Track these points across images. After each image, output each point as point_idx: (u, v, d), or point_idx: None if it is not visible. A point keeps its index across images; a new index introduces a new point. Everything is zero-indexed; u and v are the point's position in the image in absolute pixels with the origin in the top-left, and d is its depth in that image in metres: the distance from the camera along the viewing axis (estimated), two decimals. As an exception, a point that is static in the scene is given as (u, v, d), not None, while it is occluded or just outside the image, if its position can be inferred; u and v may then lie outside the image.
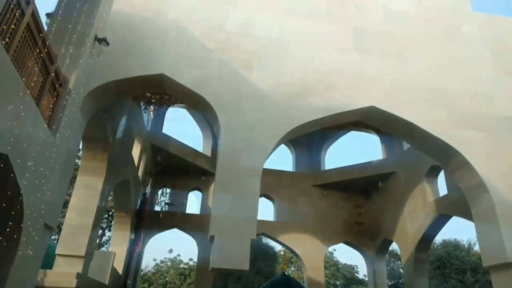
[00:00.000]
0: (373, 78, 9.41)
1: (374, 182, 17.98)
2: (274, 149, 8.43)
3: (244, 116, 8.46)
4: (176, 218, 17.32)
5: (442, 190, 14.32)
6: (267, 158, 8.22)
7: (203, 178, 17.97)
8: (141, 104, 13.36)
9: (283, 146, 19.54)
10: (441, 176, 14.80)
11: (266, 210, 30.58)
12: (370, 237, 18.59)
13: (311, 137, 19.81)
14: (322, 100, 8.90)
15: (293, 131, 8.60)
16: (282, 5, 10.00)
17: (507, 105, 9.70)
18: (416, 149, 12.55)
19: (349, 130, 19.88)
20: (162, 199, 17.34)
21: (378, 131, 18.14)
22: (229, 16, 9.55)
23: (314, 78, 9.14)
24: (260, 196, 10.19)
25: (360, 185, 18.80)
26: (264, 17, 9.72)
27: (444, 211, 13.82)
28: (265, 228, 17.69)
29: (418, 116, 9.11)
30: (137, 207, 15.11)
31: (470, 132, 9.16)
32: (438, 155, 9.73)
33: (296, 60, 9.27)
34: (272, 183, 18.52)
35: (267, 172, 10.08)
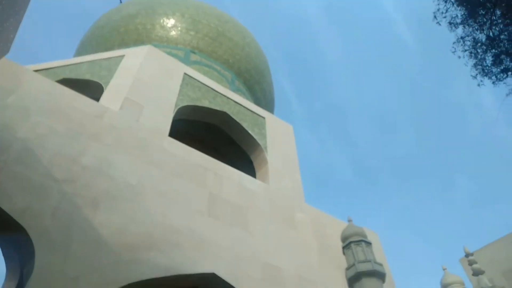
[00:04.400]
0: (219, 245, 9.47)
1: None
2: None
3: (70, 262, 7.11)
4: None
5: None
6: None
7: None
8: None
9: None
10: None
11: None
12: None
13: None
14: (165, 258, 8.31)
15: (124, 290, 7.47)
16: (147, 153, 10.09)
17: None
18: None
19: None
20: None
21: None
22: (88, 150, 9.03)
23: (162, 233, 8.71)
24: None
25: None
26: (125, 160, 9.50)
27: None
28: None
29: (255, 292, 9.15)
30: None
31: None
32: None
33: (148, 211, 8.86)
34: None
35: None
